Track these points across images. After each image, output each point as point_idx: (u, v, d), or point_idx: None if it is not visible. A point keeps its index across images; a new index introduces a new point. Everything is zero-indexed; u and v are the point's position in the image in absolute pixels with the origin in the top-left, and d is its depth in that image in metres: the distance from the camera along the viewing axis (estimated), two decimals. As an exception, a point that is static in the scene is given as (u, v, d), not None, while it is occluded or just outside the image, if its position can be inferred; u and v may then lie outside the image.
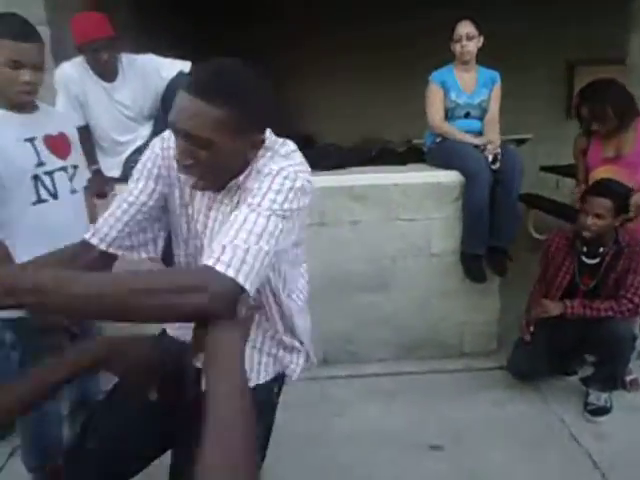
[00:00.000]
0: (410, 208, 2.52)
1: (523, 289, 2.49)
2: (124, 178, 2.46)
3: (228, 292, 0.80)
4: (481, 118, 2.62)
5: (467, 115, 2.60)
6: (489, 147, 2.42)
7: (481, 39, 2.54)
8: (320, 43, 5.42)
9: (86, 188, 1.76)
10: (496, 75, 2.63)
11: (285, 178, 0.93)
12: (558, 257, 2.24)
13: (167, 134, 1.06)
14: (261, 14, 5.34)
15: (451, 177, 2.51)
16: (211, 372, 0.73)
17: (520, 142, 4.84)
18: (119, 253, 1.09)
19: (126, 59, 2.30)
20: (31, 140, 1.54)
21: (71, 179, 1.65)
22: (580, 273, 2.20)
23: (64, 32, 2.19)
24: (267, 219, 0.88)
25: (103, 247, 1.06)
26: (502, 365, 2.50)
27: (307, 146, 2.51)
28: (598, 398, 2.20)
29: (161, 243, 1.16)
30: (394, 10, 5.25)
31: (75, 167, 1.68)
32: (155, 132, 2.47)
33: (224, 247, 0.83)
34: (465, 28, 2.48)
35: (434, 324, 2.67)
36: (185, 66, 2.37)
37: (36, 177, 1.54)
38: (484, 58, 2.63)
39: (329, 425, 2.18)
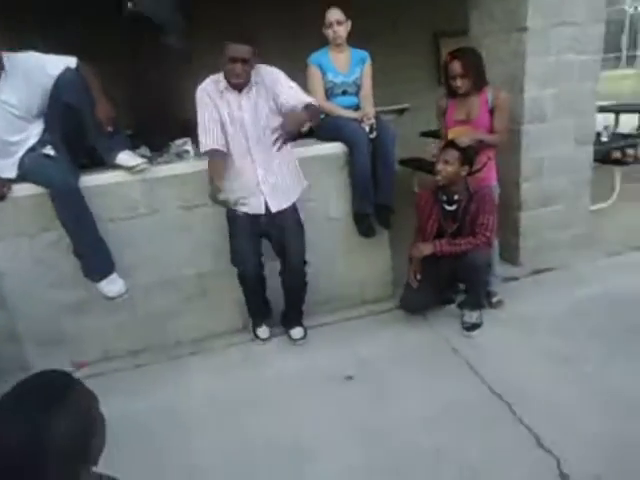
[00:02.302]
0: (308, 179, 2.73)
1: (410, 238, 2.88)
2: (20, 178, 2.47)
3: None
4: (357, 94, 2.96)
5: (344, 92, 2.93)
6: (365, 119, 2.77)
7: (349, 23, 2.86)
8: (208, 34, 5.42)
9: None
10: (366, 55, 2.97)
11: (278, 71, 2.37)
12: (426, 208, 2.68)
13: (204, 84, 2.36)
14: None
15: (337, 148, 2.84)
16: None
17: (401, 112, 5.30)
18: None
19: (6, 58, 2.28)
20: None
21: None
22: (445, 219, 2.66)
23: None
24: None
25: (222, 148, 2.35)
26: (397, 305, 2.94)
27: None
28: (470, 317, 2.71)
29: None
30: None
31: None
32: (46, 129, 2.48)
33: (305, 96, 2.35)
34: (334, 15, 2.79)
35: (340, 280, 3.04)
36: (71, 62, 2.38)
37: None
38: (360, 37, 2.94)
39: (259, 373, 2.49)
